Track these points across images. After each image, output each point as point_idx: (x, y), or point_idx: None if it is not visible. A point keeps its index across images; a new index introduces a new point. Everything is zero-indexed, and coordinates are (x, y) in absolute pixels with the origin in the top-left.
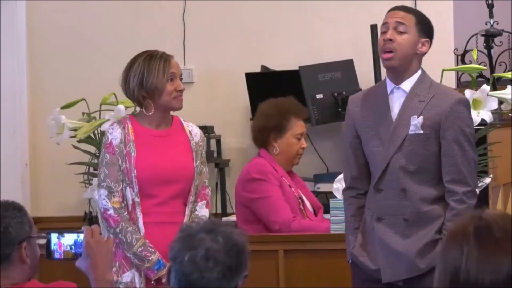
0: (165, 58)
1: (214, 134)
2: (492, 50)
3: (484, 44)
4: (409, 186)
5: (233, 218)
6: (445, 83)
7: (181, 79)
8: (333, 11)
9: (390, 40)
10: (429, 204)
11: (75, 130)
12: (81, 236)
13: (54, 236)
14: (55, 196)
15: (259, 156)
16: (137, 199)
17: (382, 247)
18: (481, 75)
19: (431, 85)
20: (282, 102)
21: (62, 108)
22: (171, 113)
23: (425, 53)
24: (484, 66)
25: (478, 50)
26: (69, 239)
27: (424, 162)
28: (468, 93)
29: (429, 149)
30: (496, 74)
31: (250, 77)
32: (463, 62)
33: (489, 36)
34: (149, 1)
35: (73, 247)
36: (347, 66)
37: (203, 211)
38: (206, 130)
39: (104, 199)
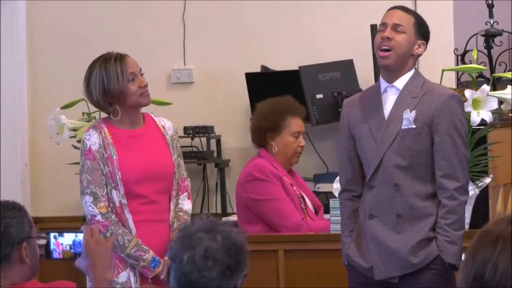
0: (120, 59)
1: (214, 134)
2: (492, 50)
3: (484, 44)
4: (402, 182)
5: (232, 218)
6: (445, 83)
7: (142, 74)
8: (333, 11)
9: (388, 38)
10: (422, 200)
11: (75, 130)
12: (80, 235)
13: (52, 236)
14: (55, 196)
15: (259, 156)
16: (124, 201)
17: (374, 244)
18: (481, 75)
19: (424, 83)
20: (278, 101)
21: (62, 108)
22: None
23: (420, 55)
24: (484, 66)
25: (478, 50)
26: (68, 238)
27: (416, 157)
28: (468, 93)
29: (421, 144)
30: (496, 74)
31: (250, 77)
32: (463, 62)
33: (489, 36)
34: (149, 1)
35: (72, 246)
36: (347, 66)
37: (186, 204)
38: (206, 130)
39: (90, 205)
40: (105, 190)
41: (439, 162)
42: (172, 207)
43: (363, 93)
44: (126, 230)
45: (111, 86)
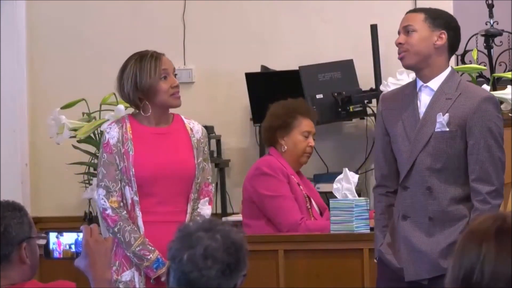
0: (155, 56)
1: (214, 134)
2: (492, 50)
3: (484, 44)
4: (434, 185)
5: (232, 218)
6: None
7: (175, 75)
8: (333, 11)
9: (400, 43)
10: (455, 203)
11: (75, 130)
12: (82, 235)
13: (53, 236)
14: (55, 196)
15: (269, 154)
16: (136, 198)
17: (406, 245)
18: (481, 75)
19: (459, 83)
20: (290, 101)
21: (62, 108)
22: (173, 110)
23: (443, 44)
24: (484, 66)
25: (478, 50)
26: (69, 238)
27: (449, 160)
28: None
29: (454, 147)
30: (496, 74)
31: (250, 77)
32: (463, 62)
33: (489, 36)
34: (149, 1)
35: (73, 246)
36: (347, 66)
37: (205, 209)
38: (206, 130)
39: (102, 198)
40: (119, 185)
41: (472, 166)
42: (189, 209)
43: (400, 89)
44: (135, 228)
45: (142, 81)
